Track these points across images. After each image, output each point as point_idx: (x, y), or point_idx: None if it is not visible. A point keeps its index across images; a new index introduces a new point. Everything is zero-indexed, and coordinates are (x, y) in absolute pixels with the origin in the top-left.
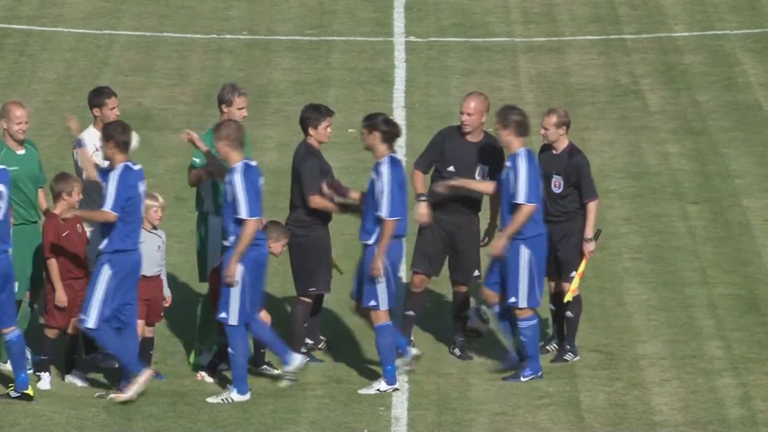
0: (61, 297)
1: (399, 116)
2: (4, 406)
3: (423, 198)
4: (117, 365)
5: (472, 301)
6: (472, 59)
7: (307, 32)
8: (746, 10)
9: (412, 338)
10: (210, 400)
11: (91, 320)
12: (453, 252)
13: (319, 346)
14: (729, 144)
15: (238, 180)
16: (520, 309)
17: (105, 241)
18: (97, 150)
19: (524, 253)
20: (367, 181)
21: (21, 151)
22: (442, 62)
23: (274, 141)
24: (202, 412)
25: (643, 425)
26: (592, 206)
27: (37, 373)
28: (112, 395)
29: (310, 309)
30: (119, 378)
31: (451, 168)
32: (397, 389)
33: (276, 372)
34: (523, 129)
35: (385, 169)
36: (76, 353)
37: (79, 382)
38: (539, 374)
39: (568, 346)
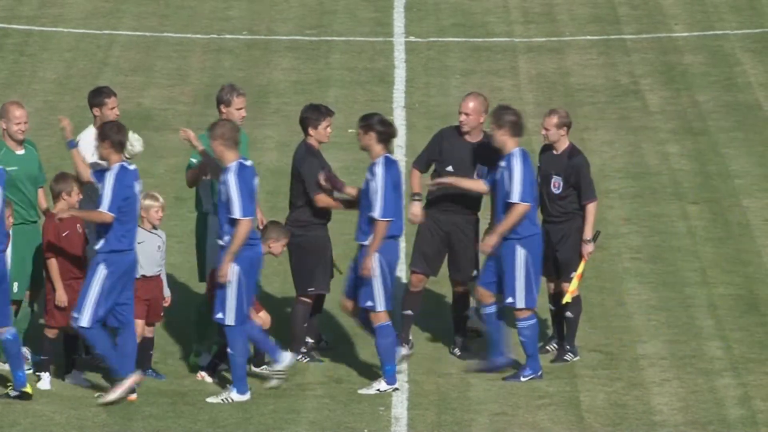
0: (61, 297)
1: (399, 116)
2: (4, 406)
3: (417, 198)
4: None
5: (472, 301)
6: (472, 59)
7: (307, 32)
8: (746, 10)
9: (410, 337)
10: (210, 400)
11: (85, 319)
12: (451, 251)
13: (320, 345)
14: (729, 144)
15: (231, 180)
16: (519, 309)
17: (101, 241)
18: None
19: (520, 253)
20: (363, 181)
21: (20, 151)
22: (442, 62)
23: (274, 141)
24: (202, 412)
25: (643, 425)
26: (591, 208)
27: (37, 373)
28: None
29: (310, 309)
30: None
31: (450, 168)
32: (397, 389)
33: (274, 371)
34: (517, 129)
35: (379, 170)
36: (76, 353)
37: (79, 382)
38: (539, 374)
39: (568, 346)
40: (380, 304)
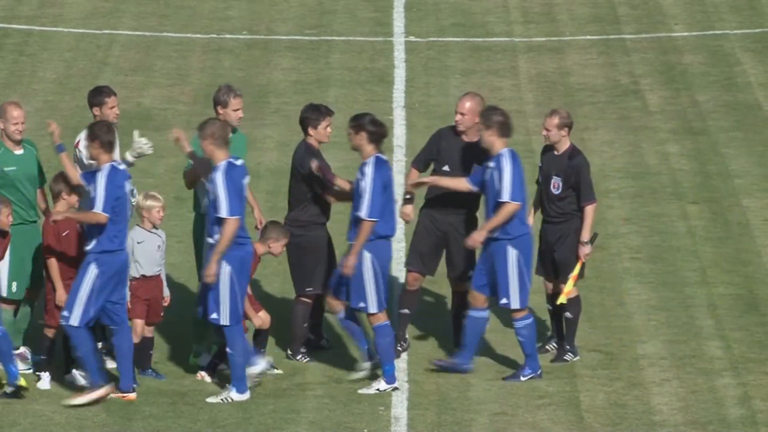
0: (61, 296)
1: (399, 116)
2: (4, 406)
3: (408, 197)
4: (115, 365)
5: None
6: (472, 59)
7: (307, 32)
8: (746, 10)
9: (407, 336)
10: (210, 400)
11: (75, 318)
12: (448, 251)
13: (321, 343)
14: (729, 144)
15: (219, 179)
16: (514, 310)
17: (93, 242)
18: None
19: (512, 253)
20: (354, 181)
21: (19, 151)
22: (441, 62)
23: (274, 141)
24: (202, 412)
25: (643, 425)
26: (589, 209)
27: (37, 373)
28: (112, 395)
29: (310, 309)
30: (117, 378)
31: (446, 167)
32: (396, 389)
33: (277, 371)
34: (505, 130)
35: (369, 170)
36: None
37: (79, 382)
38: (538, 373)
39: (568, 346)
40: (373, 305)
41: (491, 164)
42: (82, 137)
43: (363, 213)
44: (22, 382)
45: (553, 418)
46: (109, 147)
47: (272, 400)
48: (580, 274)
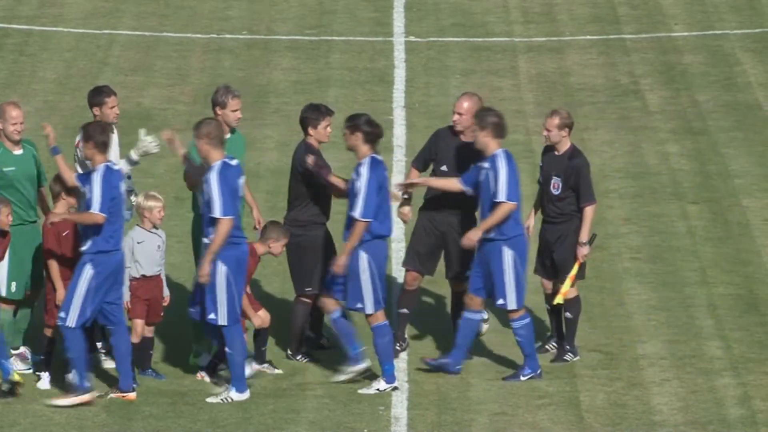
0: (61, 296)
1: (399, 116)
2: (4, 406)
3: (406, 197)
4: (114, 365)
5: None
6: (472, 59)
7: (307, 32)
8: (746, 10)
9: (406, 336)
10: (210, 400)
11: (72, 319)
12: (446, 251)
13: (321, 342)
14: (729, 144)
15: (213, 178)
16: (511, 310)
17: (88, 242)
18: None
19: (507, 253)
20: (349, 181)
21: (18, 152)
22: (441, 62)
23: (274, 141)
24: (202, 412)
25: (642, 425)
26: (589, 210)
27: (37, 373)
28: (111, 395)
29: (310, 308)
30: (117, 378)
31: (444, 167)
32: (396, 388)
33: (277, 371)
34: (500, 130)
35: (364, 170)
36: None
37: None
38: (538, 372)
39: (568, 347)
40: (370, 306)
41: (486, 165)
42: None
43: (357, 213)
44: (15, 377)
45: (553, 418)
46: (103, 147)
47: (272, 400)
48: (580, 275)
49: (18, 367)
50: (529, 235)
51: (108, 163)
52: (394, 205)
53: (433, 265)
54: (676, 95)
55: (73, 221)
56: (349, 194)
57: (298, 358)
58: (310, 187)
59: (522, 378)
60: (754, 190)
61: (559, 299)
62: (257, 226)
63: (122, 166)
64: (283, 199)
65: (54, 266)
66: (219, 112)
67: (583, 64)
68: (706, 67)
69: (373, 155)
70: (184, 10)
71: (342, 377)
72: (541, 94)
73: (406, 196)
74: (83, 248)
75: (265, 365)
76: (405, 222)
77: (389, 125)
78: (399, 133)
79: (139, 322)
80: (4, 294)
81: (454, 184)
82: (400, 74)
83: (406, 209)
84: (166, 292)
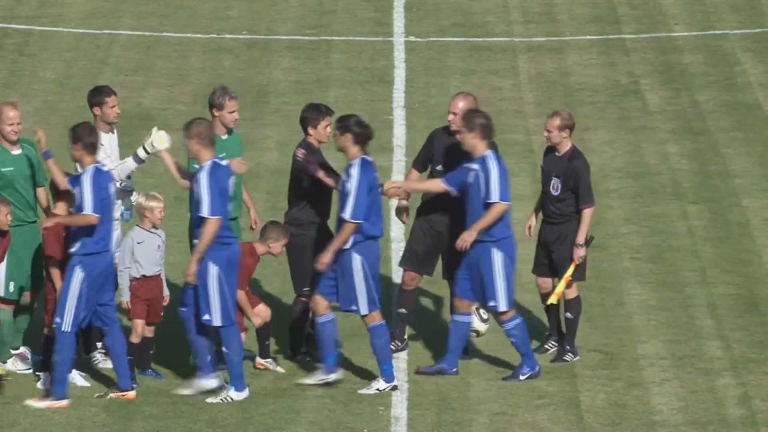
0: None
1: (399, 116)
2: (3, 406)
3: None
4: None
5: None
6: (472, 59)
7: (307, 32)
8: (746, 10)
9: (405, 336)
10: (209, 400)
11: (67, 323)
12: (444, 252)
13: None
14: (729, 144)
15: (203, 178)
16: (502, 312)
17: (77, 244)
18: (102, 145)
19: (497, 255)
20: (340, 183)
21: (17, 152)
22: (441, 62)
23: (274, 141)
24: (202, 412)
25: (642, 425)
26: (587, 212)
27: (37, 373)
28: (111, 395)
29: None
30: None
31: (440, 167)
32: (396, 387)
33: (279, 369)
34: (487, 132)
35: (355, 172)
36: (75, 353)
37: (79, 382)
38: (537, 370)
39: (568, 347)
40: (364, 307)
41: (475, 166)
42: None
43: (347, 214)
44: (1, 370)
45: (553, 418)
46: (92, 149)
47: (272, 400)
48: (580, 276)
49: (18, 367)
50: (530, 236)
51: (97, 165)
52: (393, 204)
53: (432, 266)
54: (676, 95)
55: (67, 224)
56: (340, 195)
57: (298, 357)
58: (310, 186)
59: (521, 377)
60: (754, 190)
61: (552, 299)
62: (254, 226)
63: (129, 163)
64: (283, 199)
65: (54, 266)
66: (216, 113)
67: (583, 64)
68: (706, 67)
69: (363, 156)
70: (184, 10)
71: (308, 380)
72: (541, 94)
73: (404, 199)
74: (72, 250)
75: (269, 360)
76: (404, 223)
77: (389, 125)
78: (399, 133)
79: (139, 322)
80: (2, 294)
81: (437, 185)
82: (400, 74)
83: (401, 211)
84: (166, 292)
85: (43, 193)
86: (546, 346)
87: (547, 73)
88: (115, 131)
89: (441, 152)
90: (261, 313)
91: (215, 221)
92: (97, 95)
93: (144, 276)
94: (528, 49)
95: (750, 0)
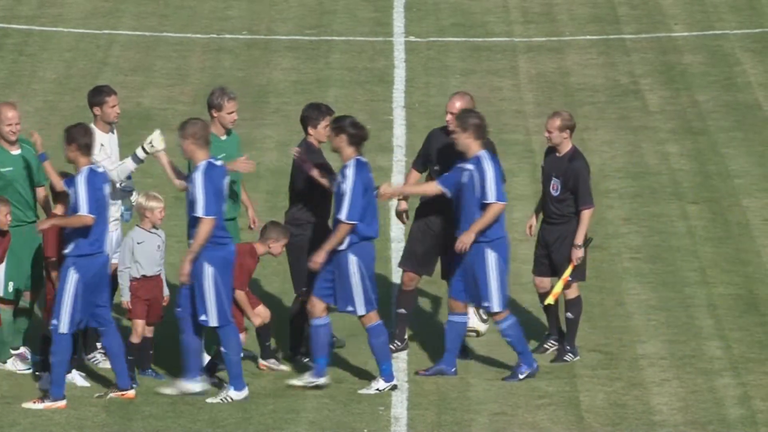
0: None
1: (399, 116)
2: (3, 406)
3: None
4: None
5: None
6: (472, 59)
7: (307, 32)
8: (746, 10)
9: (405, 336)
10: (209, 400)
11: (63, 325)
12: (442, 252)
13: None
14: (729, 144)
15: (198, 178)
16: (496, 313)
17: (71, 245)
18: (101, 145)
19: (491, 256)
20: (334, 184)
21: (16, 152)
22: (441, 62)
23: (274, 141)
24: (202, 412)
25: (642, 425)
26: (586, 214)
27: (37, 373)
28: (111, 395)
29: None
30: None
31: (437, 167)
32: (395, 386)
33: (283, 367)
34: (481, 132)
35: (350, 173)
36: (75, 353)
37: (79, 382)
38: (535, 367)
39: (568, 347)
40: (361, 308)
41: (469, 166)
42: None
43: (343, 215)
44: None
45: (553, 418)
46: (86, 150)
47: (272, 400)
48: (581, 277)
49: (18, 367)
50: (531, 236)
51: (91, 166)
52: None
53: (431, 266)
54: (676, 95)
55: (63, 225)
56: (335, 196)
57: (297, 357)
58: (309, 186)
59: (520, 376)
60: (754, 190)
61: (550, 300)
62: (252, 226)
63: (128, 164)
64: (284, 199)
65: (54, 267)
66: (215, 114)
67: (583, 64)
68: (706, 67)
69: (358, 157)
70: (184, 10)
71: (296, 382)
72: (541, 94)
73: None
74: (66, 251)
75: (272, 360)
76: (403, 223)
77: (389, 125)
78: (399, 133)
79: (139, 322)
80: (1, 294)
81: (432, 187)
82: (400, 74)
83: (404, 205)
84: (166, 292)
85: (42, 193)
86: (545, 346)
87: (547, 73)
88: (115, 131)
89: (439, 152)
90: (260, 314)
91: (210, 221)
92: (98, 95)
93: (144, 276)
94: (528, 49)
95: (750, 0)
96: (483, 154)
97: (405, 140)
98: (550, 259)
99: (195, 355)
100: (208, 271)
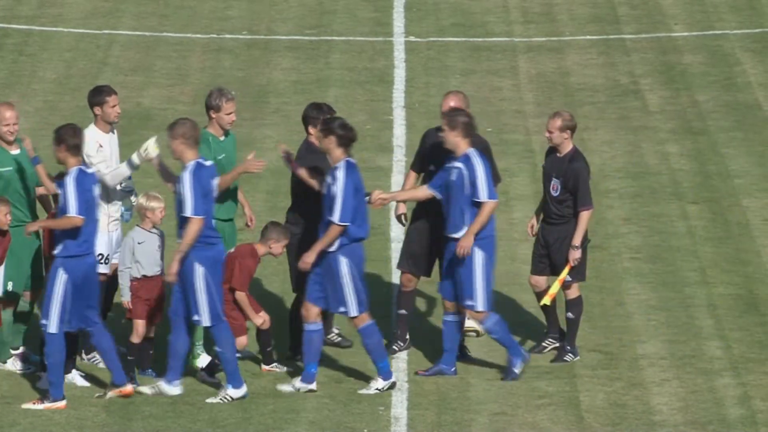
0: None
1: (399, 116)
2: (3, 406)
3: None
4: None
5: None
6: (472, 59)
7: (307, 32)
8: (746, 10)
9: (407, 336)
10: (209, 400)
11: (53, 325)
12: (439, 254)
13: (329, 337)
14: (729, 144)
15: (186, 178)
16: (478, 312)
17: (60, 246)
18: (101, 146)
19: (478, 255)
20: (324, 186)
21: (15, 151)
22: (441, 62)
23: (274, 141)
24: (201, 412)
25: (642, 425)
26: (584, 215)
27: (37, 373)
28: (109, 393)
29: None
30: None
31: (432, 167)
32: (394, 383)
33: (285, 369)
34: (469, 130)
35: (340, 174)
36: (76, 353)
37: (79, 382)
38: (526, 357)
39: (569, 347)
40: (353, 309)
41: (458, 164)
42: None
43: (336, 218)
44: None
45: (553, 418)
46: (75, 150)
47: (272, 400)
48: (581, 277)
49: (18, 367)
50: (532, 236)
51: (81, 167)
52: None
53: (429, 267)
54: (676, 95)
55: (52, 227)
56: (325, 198)
57: (298, 357)
58: (309, 186)
59: (516, 370)
60: (754, 190)
61: (546, 300)
62: (249, 224)
63: (123, 169)
64: (283, 198)
65: None
66: (213, 115)
67: (583, 64)
68: (706, 67)
69: (348, 159)
70: (184, 10)
71: (286, 387)
72: (541, 94)
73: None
74: (55, 252)
75: (274, 365)
76: (403, 225)
77: (389, 125)
78: (399, 133)
79: (140, 323)
80: (1, 294)
81: (423, 192)
82: (400, 74)
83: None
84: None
85: (41, 193)
86: (544, 344)
87: (547, 73)
88: (115, 131)
89: (434, 152)
90: (262, 316)
91: (198, 221)
92: (98, 95)
93: (145, 276)
94: (528, 49)
95: (750, 0)
96: (472, 152)
97: (405, 140)
98: (549, 259)
99: (178, 358)
100: (199, 270)
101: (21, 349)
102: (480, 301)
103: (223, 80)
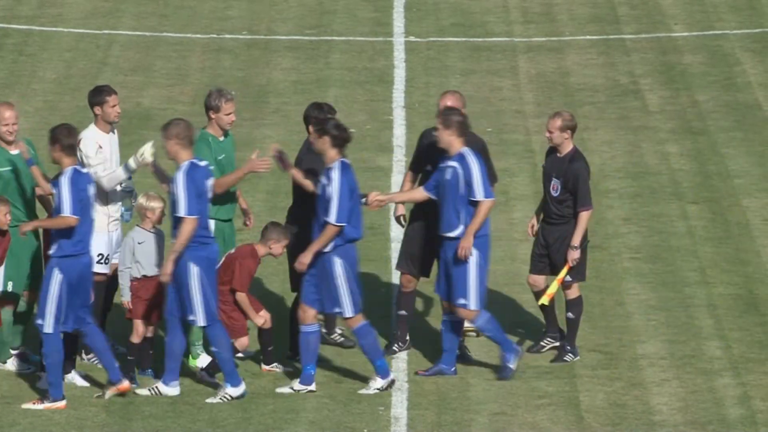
0: None
1: (399, 116)
2: (3, 406)
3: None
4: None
5: None
6: (472, 59)
7: (307, 32)
8: (746, 10)
9: (407, 337)
10: (209, 400)
11: (48, 325)
12: (438, 254)
13: (332, 337)
14: (729, 144)
15: (180, 178)
16: (472, 310)
17: (55, 246)
18: (100, 147)
19: (473, 254)
20: (318, 186)
21: (15, 151)
22: (441, 62)
23: (274, 141)
24: (201, 412)
25: (642, 425)
26: (584, 216)
27: (37, 374)
28: (108, 393)
29: None
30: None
31: (429, 167)
32: (393, 381)
33: (288, 369)
34: (463, 129)
35: (335, 175)
36: (76, 353)
37: (79, 382)
38: (519, 351)
39: (569, 347)
40: (348, 309)
41: (452, 163)
42: (81, 137)
43: (331, 218)
44: None
45: (553, 418)
46: (70, 150)
47: (272, 400)
48: (581, 277)
49: (18, 367)
50: (532, 236)
51: (75, 167)
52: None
53: (427, 267)
54: (676, 95)
55: (46, 227)
56: (320, 199)
57: (297, 358)
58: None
59: (511, 366)
60: (754, 190)
61: (544, 300)
62: (247, 223)
63: (119, 173)
64: (284, 198)
65: None
66: (213, 115)
67: (583, 64)
68: (706, 67)
69: (342, 159)
70: (184, 10)
71: (284, 389)
72: (541, 94)
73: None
74: (51, 252)
75: (275, 365)
76: (402, 226)
77: (389, 125)
78: (399, 133)
79: (139, 323)
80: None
81: (419, 193)
82: (400, 74)
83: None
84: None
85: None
86: (542, 343)
87: (547, 73)
88: (115, 131)
89: (430, 152)
90: (263, 317)
91: (192, 221)
92: (98, 95)
93: (145, 276)
94: (528, 49)
95: (750, 0)
96: (466, 150)
97: (405, 140)
98: (549, 259)
99: (175, 359)
100: (194, 271)
101: (21, 349)
102: (472, 300)
103: (223, 80)
